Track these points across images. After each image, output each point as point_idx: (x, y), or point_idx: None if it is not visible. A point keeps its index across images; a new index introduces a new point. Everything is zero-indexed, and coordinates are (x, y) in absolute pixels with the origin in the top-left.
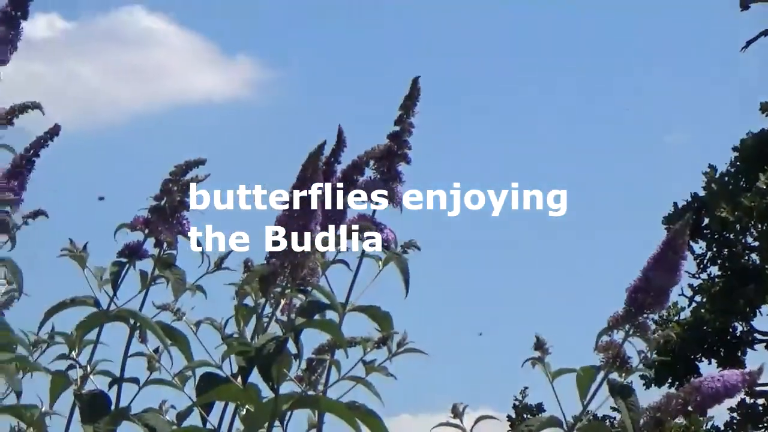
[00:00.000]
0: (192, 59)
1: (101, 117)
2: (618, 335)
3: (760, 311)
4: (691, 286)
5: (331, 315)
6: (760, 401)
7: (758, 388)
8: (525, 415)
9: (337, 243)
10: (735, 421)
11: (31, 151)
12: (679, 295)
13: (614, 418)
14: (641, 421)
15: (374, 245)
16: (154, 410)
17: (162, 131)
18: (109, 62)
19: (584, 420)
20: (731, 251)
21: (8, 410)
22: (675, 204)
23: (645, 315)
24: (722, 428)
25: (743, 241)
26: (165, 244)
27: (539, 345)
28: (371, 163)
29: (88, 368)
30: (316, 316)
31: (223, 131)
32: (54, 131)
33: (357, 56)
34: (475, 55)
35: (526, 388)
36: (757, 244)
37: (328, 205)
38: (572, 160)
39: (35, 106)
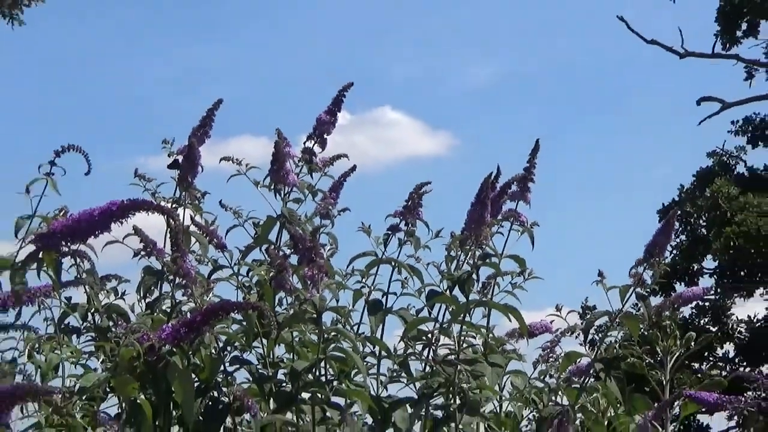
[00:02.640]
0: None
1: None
2: (639, 269)
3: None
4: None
5: (495, 259)
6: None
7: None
8: (588, 312)
9: (497, 223)
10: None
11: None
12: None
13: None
14: (652, 313)
15: (517, 223)
16: (404, 309)
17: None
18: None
19: (623, 313)
20: (692, 227)
21: None
22: (663, 204)
23: (654, 259)
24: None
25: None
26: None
27: (600, 273)
28: (514, 183)
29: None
30: (488, 260)
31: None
32: (353, 169)
33: None
34: None
35: (587, 298)
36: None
37: (492, 206)
38: None
39: (344, 155)
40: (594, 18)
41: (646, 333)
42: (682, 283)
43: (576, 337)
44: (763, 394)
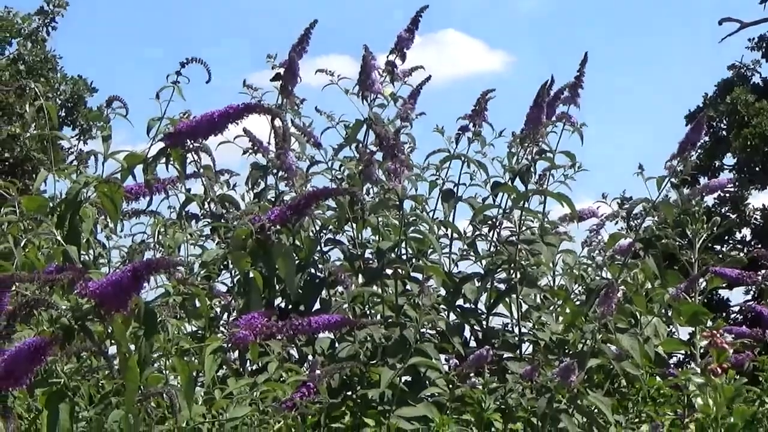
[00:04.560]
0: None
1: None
2: (674, 162)
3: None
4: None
5: (549, 155)
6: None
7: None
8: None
9: (552, 124)
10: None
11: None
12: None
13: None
14: (684, 200)
15: (569, 124)
16: (472, 197)
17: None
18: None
19: (660, 200)
20: (714, 130)
21: None
22: (689, 110)
23: (686, 153)
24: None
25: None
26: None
27: (640, 166)
28: (566, 89)
29: None
30: (544, 155)
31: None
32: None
33: None
34: None
35: (624, 190)
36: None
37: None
38: None
39: (420, 67)
40: None
41: (677, 218)
42: (705, 177)
43: (615, 223)
44: None
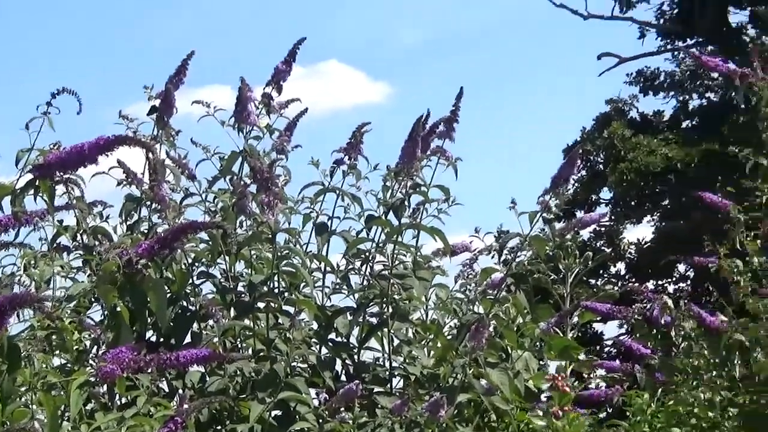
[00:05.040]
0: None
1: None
2: (546, 197)
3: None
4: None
5: (423, 189)
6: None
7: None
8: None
9: (426, 158)
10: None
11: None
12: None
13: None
14: (556, 235)
15: (444, 158)
16: (346, 231)
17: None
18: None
19: (532, 235)
20: (591, 163)
21: None
22: (567, 144)
23: (559, 188)
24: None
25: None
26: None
27: (513, 201)
28: (442, 123)
29: None
30: (418, 189)
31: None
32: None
33: None
34: None
35: (501, 224)
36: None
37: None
38: None
39: (297, 99)
40: None
41: (551, 253)
42: (582, 211)
43: (492, 256)
44: (648, 305)
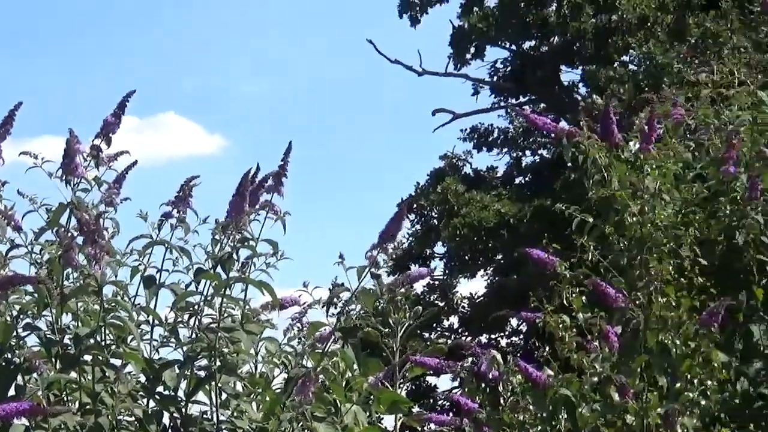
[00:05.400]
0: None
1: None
2: (374, 252)
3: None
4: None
5: (252, 243)
6: None
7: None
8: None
9: (254, 212)
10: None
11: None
12: None
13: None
14: (385, 289)
15: (272, 212)
16: (175, 284)
17: None
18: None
19: (360, 289)
20: (425, 218)
21: None
22: (402, 198)
23: (385, 244)
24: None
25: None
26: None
27: (341, 255)
28: (270, 178)
29: None
30: (246, 243)
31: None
32: (134, 164)
33: None
34: None
35: (336, 276)
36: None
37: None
38: None
39: (126, 152)
40: (349, 42)
41: (382, 307)
42: (417, 265)
43: (327, 311)
44: (478, 360)
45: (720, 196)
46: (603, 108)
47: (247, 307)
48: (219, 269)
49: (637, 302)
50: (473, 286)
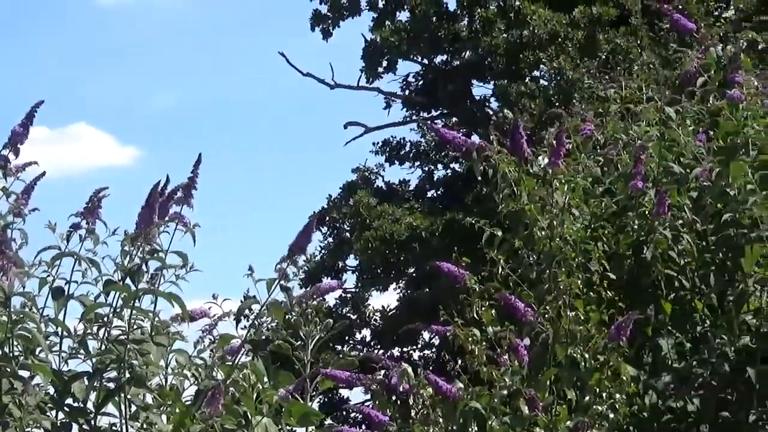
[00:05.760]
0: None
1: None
2: (284, 264)
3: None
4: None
5: (161, 254)
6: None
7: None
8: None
9: (164, 224)
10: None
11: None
12: None
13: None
14: (295, 302)
15: (182, 224)
16: (84, 295)
17: None
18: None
19: (270, 302)
20: (338, 231)
21: None
22: (314, 211)
23: (295, 257)
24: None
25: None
26: None
27: (250, 268)
28: (180, 190)
29: None
30: (155, 255)
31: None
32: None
33: None
34: None
35: (248, 289)
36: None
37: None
38: None
39: (35, 162)
40: (262, 54)
41: (292, 319)
42: (330, 277)
43: (238, 323)
44: (389, 373)
45: (628, 210)
46: (512, 123)
47: (156, 319)
48: (128, 281)
49: (547, 316)
50: (386, 299)
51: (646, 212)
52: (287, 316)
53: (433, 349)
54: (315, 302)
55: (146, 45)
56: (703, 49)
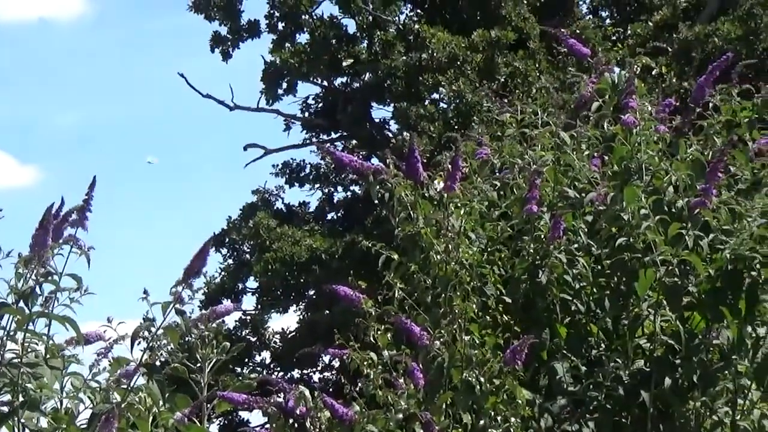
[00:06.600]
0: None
1: None
2: (179, 288)
3: (249, 279)
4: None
5: (55, 277)
6: None
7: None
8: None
9: (58, 246)
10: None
11: None
12: None
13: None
14: (191, 325)
15: (76, 246)
16: None
17: None
18: None
19: (165, 325)
20: (238, 252)
21: None
22: (214, 233)
23: (190, 280)
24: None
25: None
26: None
27: (145, 291)
28: (75, 212)
29: None
30: (49, 278)
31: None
32: None
33: None
34: None
35: (148, 311)
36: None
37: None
38: None
39: None
40: (163, 74)
41: (189, 342)
42: (230, 299)
43: (139, 344)
44: (286, 396)
45: (524, 234)
46: (408, 146)
47: (50, 342)
48: (22, 304)
49: (442, 340)
50: (286, 321)
51: (542, 236)
52: (185, 338)
53: (333, 372)
54: (214, 324)
55: (46, 64)
56: (598, 73)
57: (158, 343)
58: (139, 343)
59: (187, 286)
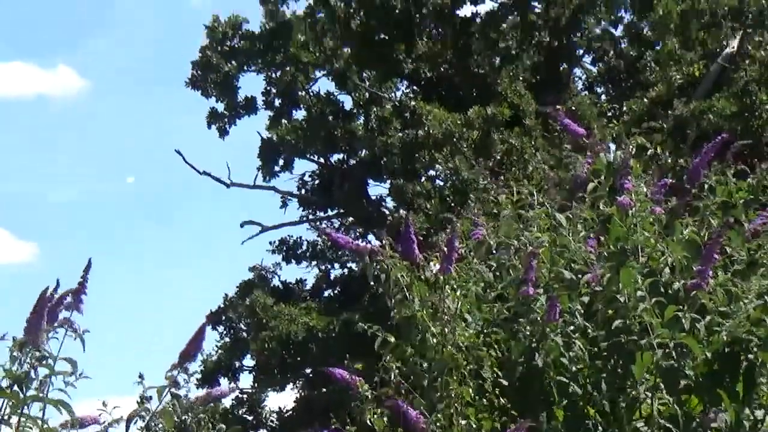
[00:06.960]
0: None
1: None
2: (174, 372)
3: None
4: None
5: (50, 361)
6: None
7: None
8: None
9: (52, 329)
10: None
11: None
12: None
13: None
14: (188, 405)
15: (71, 329)
16: None
17: None
18: None
19: (160, 408)
20: (234, 330)
21: None
22: (211, 310)
23: (185, 364)
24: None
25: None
26: None
27: (140, 375)
28: (69, 295)
29: None
30: (44, 362)
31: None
32: None
33: None
34: None
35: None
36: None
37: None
38: None
39: None
40: (161, 151)
41: (190, 423)
42: (226, 378)
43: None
44: None
45: (520, 316)
46: (404, 227)
47: (45, 425)
48: (16, 388)
49: (438, 424)
50: (282, 400)
51: (538, 318)
52: (180, 420)
53: None
54: (212, 405)
55: (43, 139)
56: (593, 154)
57: (155, 424)
58: (136, 422)
59: (182, 370)
